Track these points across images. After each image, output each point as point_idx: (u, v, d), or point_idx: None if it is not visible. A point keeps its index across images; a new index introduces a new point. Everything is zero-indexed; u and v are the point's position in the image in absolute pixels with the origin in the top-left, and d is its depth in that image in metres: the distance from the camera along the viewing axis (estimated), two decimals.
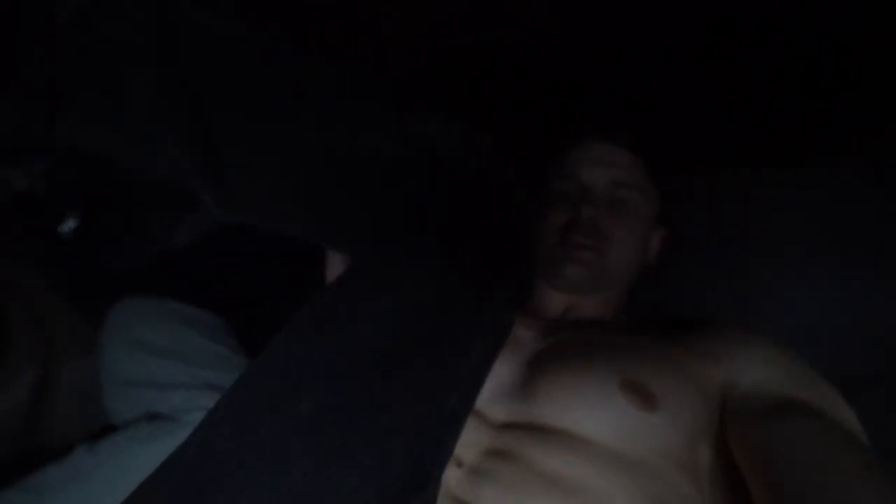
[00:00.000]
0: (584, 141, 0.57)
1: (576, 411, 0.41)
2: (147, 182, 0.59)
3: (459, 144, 0.56)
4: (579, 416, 0.40)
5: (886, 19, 0.51)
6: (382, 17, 0.52)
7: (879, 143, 0.58)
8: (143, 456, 0.54)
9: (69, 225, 0.64)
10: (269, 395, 0.38)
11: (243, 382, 0.39)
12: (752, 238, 0.62)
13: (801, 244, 0.59)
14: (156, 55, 0.37)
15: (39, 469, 0.55)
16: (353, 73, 0.53)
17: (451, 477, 0.40)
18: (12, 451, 0.60)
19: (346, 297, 0.44)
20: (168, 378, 0.57)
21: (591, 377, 0.42)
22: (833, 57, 0.56)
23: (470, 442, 0.41)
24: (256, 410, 0.37)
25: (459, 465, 0.40)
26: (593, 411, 0.40)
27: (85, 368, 0.66)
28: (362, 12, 0.50)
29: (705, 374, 0.43)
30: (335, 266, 0.56)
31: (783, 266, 0.60)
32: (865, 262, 0.57)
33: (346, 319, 0.42)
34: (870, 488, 0.30)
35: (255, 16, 0.44)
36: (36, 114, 0.38)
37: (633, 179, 0.55)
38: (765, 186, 0.63)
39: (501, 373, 0.46)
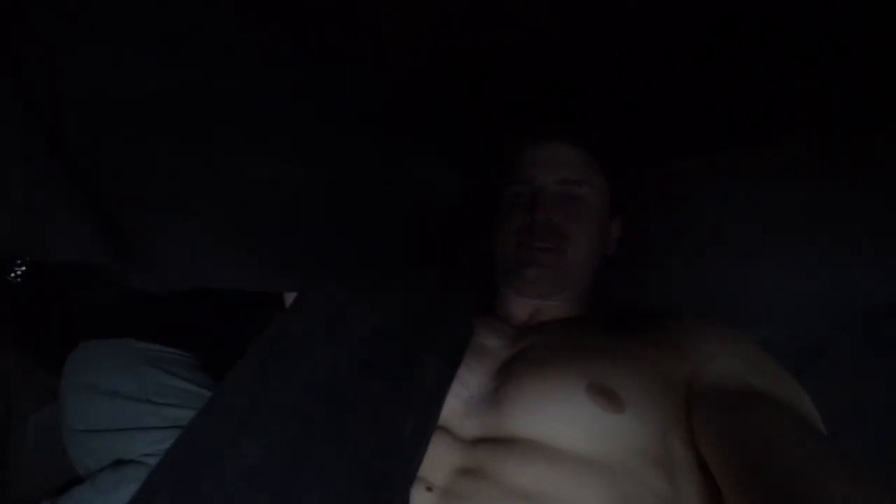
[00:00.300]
0: (531, 143, 0.57)
1: (545, 419, 0.40)
2: None
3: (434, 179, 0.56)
4: (549, 424, 0.40)
5: (887, 19, 0.51)
6: (382, 17, 0.52)
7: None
8: None
9: (18, 270, 0.62)
10: (213, 445, 0.35)
11: (186, 434, 0.37)
12: (707, 226, 0.63)
13: (757, 226, 0.61)
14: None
15: None
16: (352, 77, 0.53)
17: (422, 503, 0.38)
18: None
19: (291, 336, 0.42)
20: (133, 421, 0.55)
21: (558, 383, 0.41)
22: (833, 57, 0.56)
23: (440, 462, 0.40)
24: (199, 462, 0.34)
25: (429, 489, 0.39)
26: (562, 418, 0.40)
27: (50, 416, 0.62)
28: (362, 12, 0.50)
29: (670, 369, 0.43)
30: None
31: (740, 249, 0.61)
32: (818, 237, 0.58)
33: (293, 358, 0.40)
34: (833, 472, 0.31)
35: (255, 16, 0.44)
36: None
37: (582, 175, 0.55)
38: (716, 172, 0.64)
39: (470, 385, 0.45)
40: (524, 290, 0.54)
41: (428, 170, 0.57)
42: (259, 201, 0.42)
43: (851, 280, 0.57)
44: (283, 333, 0.43)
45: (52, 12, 0.32)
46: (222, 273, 0.41)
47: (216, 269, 0.41)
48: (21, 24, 0.31)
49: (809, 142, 0.59)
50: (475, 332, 0.51)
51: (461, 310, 0.49)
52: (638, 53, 0.59)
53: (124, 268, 0.36)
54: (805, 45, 0.57)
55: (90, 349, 0.60)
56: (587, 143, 0.56)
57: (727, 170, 0.63)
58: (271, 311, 0.53)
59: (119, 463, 0.54)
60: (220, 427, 0.37)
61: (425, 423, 0.38)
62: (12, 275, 0.63)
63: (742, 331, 0.49)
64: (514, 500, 0.36)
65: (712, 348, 0.44)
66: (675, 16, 0.55)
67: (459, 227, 0.58)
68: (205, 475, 0.34)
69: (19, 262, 0.63)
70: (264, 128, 0.42)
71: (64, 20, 0.33)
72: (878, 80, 0.55)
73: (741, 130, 0.64)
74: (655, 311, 0.51)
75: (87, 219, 0.33)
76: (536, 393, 0.41)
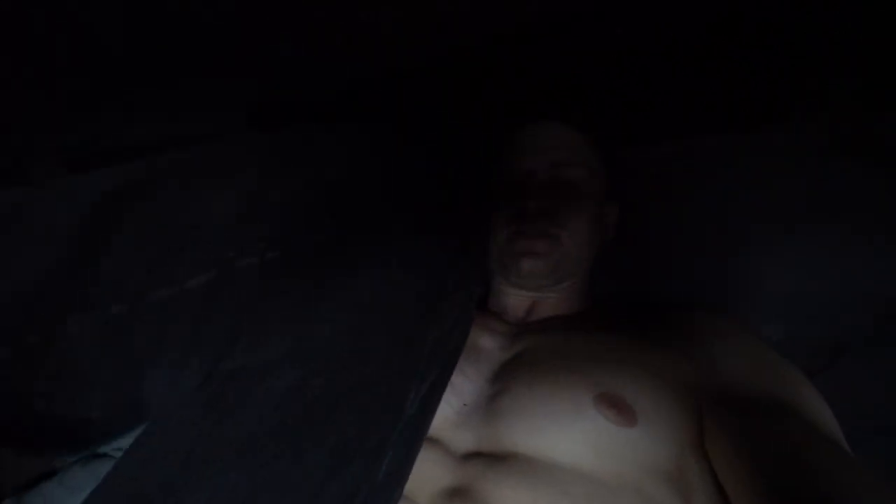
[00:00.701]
0: (522, 127, 0.54)
1: (548, 432, 0.36)
2: None
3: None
4: (552, 438, 0.36)
5: (887, 19, 0.51)
6: (382, 17, 0.52)
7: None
8: None
9: None
10: (144, 498, 0.30)
11: (113, 479, 0.32)
12: (715, 216, 0.59)
13: (766, 216, 0.56)
14: None
15: None
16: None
17: None
18: None
19: (250, 354, 0.37)
20: None
21: (563, 393, 0.38)
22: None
23: (428, 480, 0.36)
24: None
25: None
26: (568, 431, 0.36)
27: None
28: (362, 12, 0.50)
29: (681, 375, 0.40)
30: None
31: (749, 239, 0.57)
32: (837, 226, 0.54)
33: (249, 384, 0.35)
34: (862, 489, 0.29)
35: (255, 16, 0.44)
36: None
37: (575, 157, 0.52)
38: (724, 159, 0.60)
39: (463, 393, 0.42)
40: (520, 282, 0.52)
41: (429, 171, 0.57)
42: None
43: (868, 273, 0.53)
44: (240, 350, 0.37)
45: None
46: None
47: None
48: None
49: (819, 127, 0.56)
50: (471, 334, 0.47)
51: (455, 320, 0.44)
52: (638, 53, 0.59)
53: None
54: (809, 34, 0.55)
55: None
56: (581, 123, 0.53)
57: (735, 157, 0.59)
58: None
59: (92, 457, 0.53)
60: (155, 473, 0.31)
61: (403, 462, 0.32)
62: None
63: (753, 327, 0.46)
64: None
65: (724, 351, 0.41)
66: (675, 14, 0.55)
67: (458, 225, 0.57)
68: None
69: None
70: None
71: None
72: (886, 62, 0.53)
73: (749, 117, 0.61)
74: (660, 306, 0.49)
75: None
76: (538, 403, 0.38)
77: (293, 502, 0.29)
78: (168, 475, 0.31)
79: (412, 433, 0.33)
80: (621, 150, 0.60)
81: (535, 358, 0.43)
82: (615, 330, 0.46)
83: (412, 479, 0.33)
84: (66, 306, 0.30)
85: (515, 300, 0.54)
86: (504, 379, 0.42)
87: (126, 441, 0.52)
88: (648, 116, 0.64)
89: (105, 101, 0.39)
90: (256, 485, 0.30)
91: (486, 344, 0.48)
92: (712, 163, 0.60)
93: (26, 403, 0.29)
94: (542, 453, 0.36)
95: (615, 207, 0.58)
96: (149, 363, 0.33)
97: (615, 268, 0.60)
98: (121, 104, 0.39)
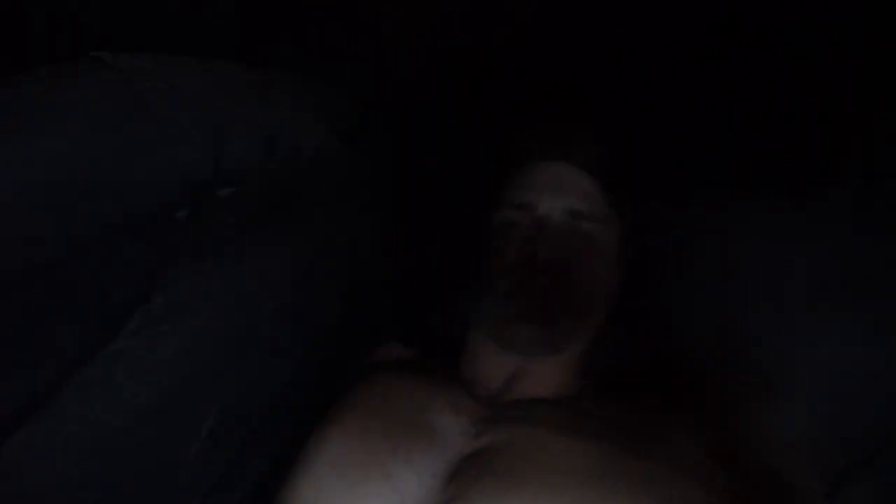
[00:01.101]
0: (537, 162, 0.47)
1: None
2: None
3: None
4: None
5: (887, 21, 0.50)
6: (382, 17, 0.52)
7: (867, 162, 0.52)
8: None
9: None
10: None
11: None
12: (744, 281, 0.52)
13: (801, 285, 0.49)
14: None
15: None
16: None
17: None
18: None
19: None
20: None
21: None
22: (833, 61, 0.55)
23: None
24: None
25: None
26: None
27: None
28: (362, 12, 0.50)
29: (694, 493, 0.32)
30: None
31: (784, 316, 0.49)
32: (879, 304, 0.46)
33: None
34: None
35: (255, 16, 0.44)
36: None
37: (594, 209, 0.45)
38: (755, 220, 0.55)
39: (407, 488, 0.32)
40: (513, 346, 0.43)
41: (428, 171, 0.57)
42: None
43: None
44: None
45: None
46: None
47: None
48: None
49: (860, 187, 0.51)
50: (421, 404, 0.39)
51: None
52: (639, 53, 0.59)
53: None
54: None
55: None
56: (605, 172, 0.47)
57: (761, 216, 0.53)
58: None
59: None
60: None
61: None
62: None
63: (774, 411, 0.41)
64: None
65: (746, 474, 0.34)
66: (676, 16, 0.55)
67: (457, 230, 0.55)
68: None
69: None
70: None
71: None
72: None
73: (782, 174, 0.55)
74: (666, 386, 0.43)
75: None
76: None
77: None
78: None
79: None
80: (642, 207, 0.54)
81: (508, 462, 0.33)
82: (611, 426, 0.37)
83: None
84: None
85: (493, 367, 0.44)
86: (462, 483, 0.32)
87: None
88: (674, 158, 0.59)
89: None
90: None
91: (446, 424, 0.38)
92: (737, 226, 0.55)
93: None
94: None
95: (624, 265, 0.50)
96: None
97: (622, 332, 0.53)
98: None
